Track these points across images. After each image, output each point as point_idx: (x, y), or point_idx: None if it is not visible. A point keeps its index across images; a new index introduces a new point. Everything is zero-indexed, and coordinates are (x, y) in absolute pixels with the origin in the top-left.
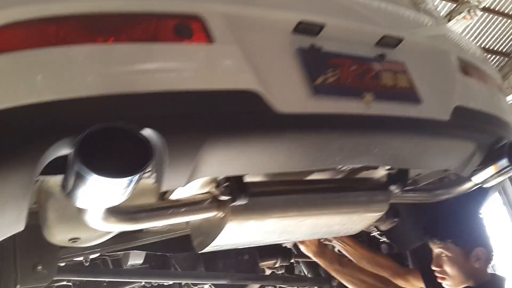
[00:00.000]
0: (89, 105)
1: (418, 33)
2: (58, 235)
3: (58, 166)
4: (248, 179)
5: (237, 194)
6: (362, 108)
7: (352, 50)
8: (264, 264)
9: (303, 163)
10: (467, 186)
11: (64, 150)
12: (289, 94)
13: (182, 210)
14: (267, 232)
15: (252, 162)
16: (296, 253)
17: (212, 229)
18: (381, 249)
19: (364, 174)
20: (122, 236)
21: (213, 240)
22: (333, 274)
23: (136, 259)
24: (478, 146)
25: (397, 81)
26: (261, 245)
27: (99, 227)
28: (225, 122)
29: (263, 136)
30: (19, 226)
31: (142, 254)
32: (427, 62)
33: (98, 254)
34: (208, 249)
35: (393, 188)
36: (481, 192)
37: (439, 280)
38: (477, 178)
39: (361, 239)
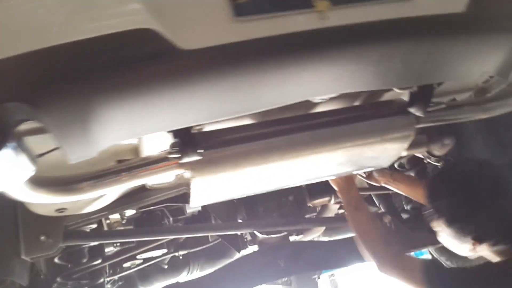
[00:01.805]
0: None
1: None
2: (40, 209)
3: None
4: (209, 127)
5: (183, 150)
6: (313, 22)
7: None
8: (316, 202)
9: (234, 108)
10: None
11: None
12: (202, 22)
13: (136, 172)
14: (263, 179)
15: (167, 117)
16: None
17: (188, 187)
18: None
19: (385, 96)
20: (128, 197)
21: (192, 197)
22: (347, 216)
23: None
24: None
25: None
26: (272, 190)
27: (37, 199)
28: (107, 75)
29: (168, 84)
30: None
31: None
32: None
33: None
34: (196, 204)
35: (413, 110)
36: None
37: None
38: None
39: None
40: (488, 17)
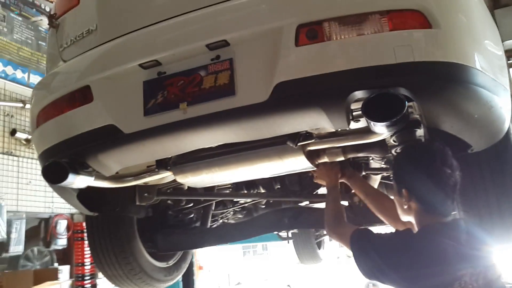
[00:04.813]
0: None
1: (247, 23)
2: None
3: None
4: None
5: (158, 167)
6: (180, 115)
7: (188, 64)
8: None
9: (167, 151)
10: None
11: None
12: (132, 119)
13: (144, 174)
14: (216, 177)
15: (131, 158)
16: None
17: None
18: None
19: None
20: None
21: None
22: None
23: None
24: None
25: (217, 81)
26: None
27: (105, 185)
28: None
29: (124, 146)
30: None
31: None
32: (255, 49)
33: None
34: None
35: (289, 142)
36: None
37: None
38: (378, 129)
39: None
40: (285, 102)
